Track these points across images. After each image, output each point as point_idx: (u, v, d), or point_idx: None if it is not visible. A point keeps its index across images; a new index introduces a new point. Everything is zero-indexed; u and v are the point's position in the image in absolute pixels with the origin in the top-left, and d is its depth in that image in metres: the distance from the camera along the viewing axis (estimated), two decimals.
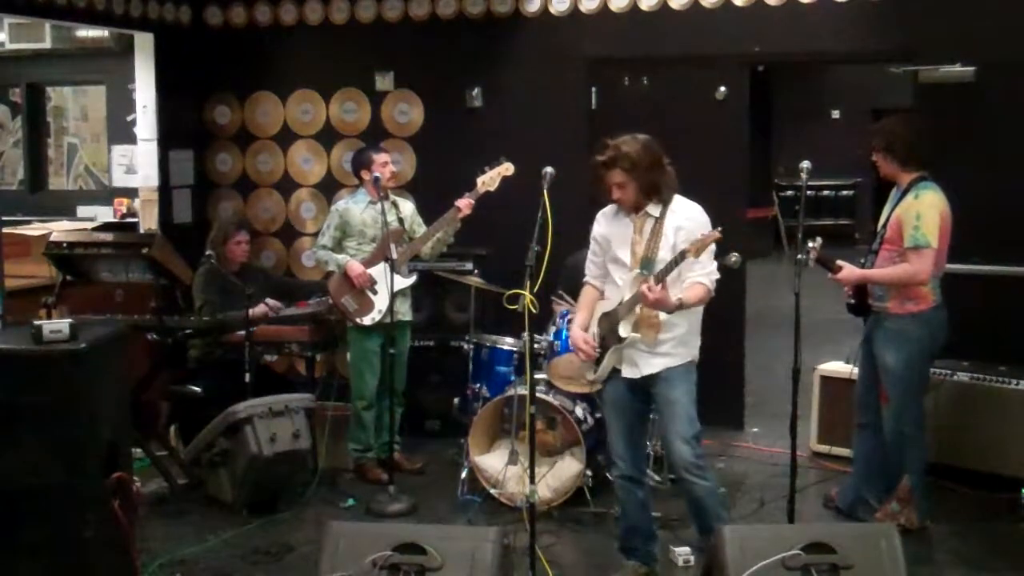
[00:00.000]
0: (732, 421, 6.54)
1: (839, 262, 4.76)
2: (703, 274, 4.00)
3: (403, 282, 5.55)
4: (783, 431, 4.48)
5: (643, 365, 4.11)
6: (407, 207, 5.78)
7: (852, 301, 4.90)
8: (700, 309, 4.14)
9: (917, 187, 4.72)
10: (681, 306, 3.97)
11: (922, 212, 4.63)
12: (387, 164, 5.62)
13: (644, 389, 4.17)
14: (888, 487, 4.90)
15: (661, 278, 3.89)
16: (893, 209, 4.79)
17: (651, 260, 4.03)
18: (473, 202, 5.48)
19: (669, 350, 4.08)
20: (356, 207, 5.58)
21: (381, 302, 5.45)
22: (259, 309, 5.58)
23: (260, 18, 7.14)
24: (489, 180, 5.49)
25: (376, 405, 5.65)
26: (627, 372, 4.16)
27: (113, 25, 6.83)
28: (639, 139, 4.08)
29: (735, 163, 6.47)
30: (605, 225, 4.23)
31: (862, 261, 4.92)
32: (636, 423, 4.29)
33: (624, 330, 4.09)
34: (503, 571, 3.21)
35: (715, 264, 4.06)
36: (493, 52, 6.72)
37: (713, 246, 3.94)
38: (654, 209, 4.08)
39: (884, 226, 4.82)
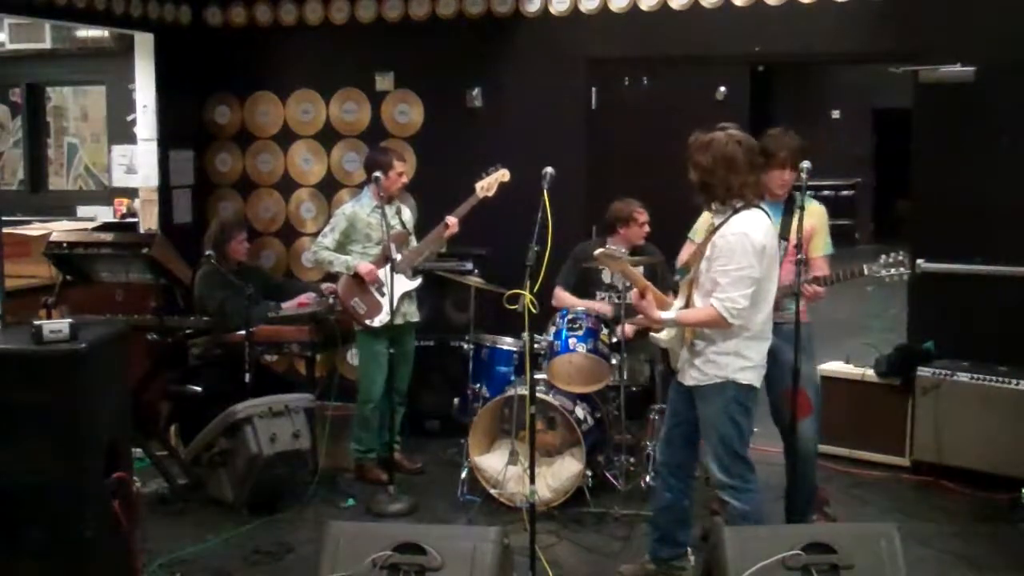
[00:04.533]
0: None
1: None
2: (719, 298, 3.80)
3: (408, 285, 5.56)
4: None
5: (685, 375, 4.09)
6: (407, 213, 5.78)
7: None
8: (747, 331, 3.88)
9: (803, 195, 4.43)
10: (674, 323, 3.97)
11: (825, 220, 4.61)
12: (402, 175, 5.63)
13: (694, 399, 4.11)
14: (808, 498, 4.65)
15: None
16: (800, 221, 4.28)
17: (689, 267, 3.99)
18: (457, 220, 5.49)
19: (699, 365, 3.98)
20: (363, 211, 5.58)
21: (388, 304, 5.44)
22: (304, 298, 5.78)
23: (260, 18, 7.15)
24: (487, 186, 5.51)
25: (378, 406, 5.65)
26: (680, 376, 4.14)
27: (113, 25, 6.84)
28: (718, 137, 3.90)
29: None
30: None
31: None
32: (680, 426, 4.19)
33: (662, 331, 4.14)
34: (503, 571, 3.21)
35: (743, 292, 3.78)
36: (493, 52, 6.72)
37: (745, 271, 3.75)
38: (718, 216, 3.93)
39: (798, 237, 4.28)
